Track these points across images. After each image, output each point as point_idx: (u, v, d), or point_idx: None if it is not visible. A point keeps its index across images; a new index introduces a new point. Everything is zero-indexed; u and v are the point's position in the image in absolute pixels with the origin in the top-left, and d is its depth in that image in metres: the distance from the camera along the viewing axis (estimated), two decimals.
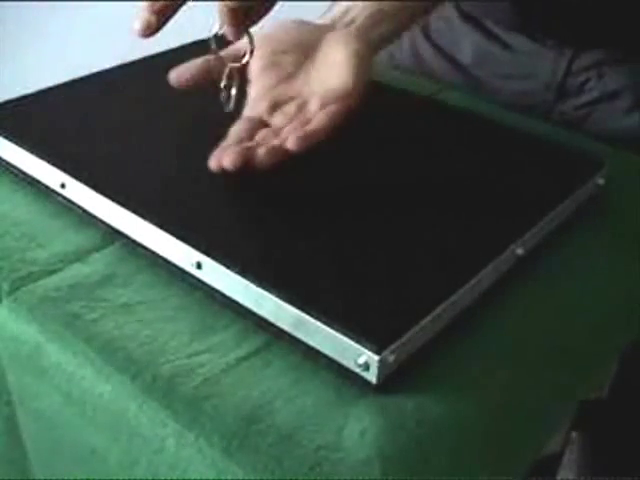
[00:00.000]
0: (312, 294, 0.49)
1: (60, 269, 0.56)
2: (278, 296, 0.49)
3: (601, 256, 0.61)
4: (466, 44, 0.87)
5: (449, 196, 0.60)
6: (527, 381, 0.51)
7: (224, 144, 0.60)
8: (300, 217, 0.57)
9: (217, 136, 0.67)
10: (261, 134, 0.60)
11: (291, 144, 0.57)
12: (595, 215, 0.63)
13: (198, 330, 0.51)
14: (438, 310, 0.49)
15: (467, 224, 0.57)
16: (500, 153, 0.67)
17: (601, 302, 0.58)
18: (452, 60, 0.89)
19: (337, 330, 0.47)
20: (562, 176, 0.64)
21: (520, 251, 0.56)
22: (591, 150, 0.68)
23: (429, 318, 0.48)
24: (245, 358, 0.49)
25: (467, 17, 0.86)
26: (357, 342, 0.46)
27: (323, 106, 0.60)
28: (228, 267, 0.51)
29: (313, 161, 0.64)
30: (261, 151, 0.57)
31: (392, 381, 0.47)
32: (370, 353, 0.46)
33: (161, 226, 0.54)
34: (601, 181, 0.65)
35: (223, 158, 0.57)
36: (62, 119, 0.68)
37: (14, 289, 0.54)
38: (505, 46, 0.84)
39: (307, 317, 0.48)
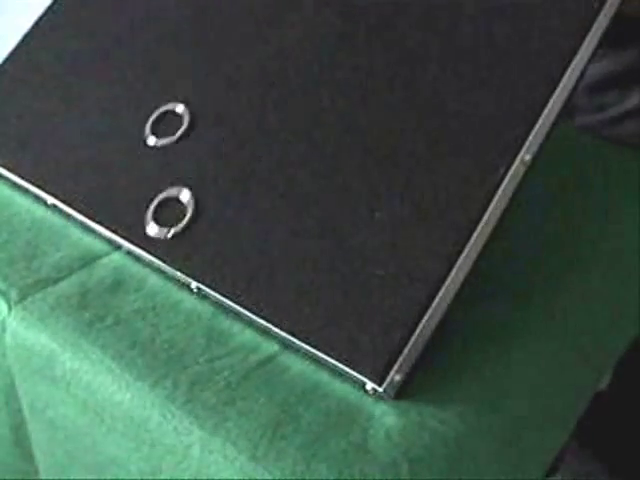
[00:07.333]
0: (306, 323, 0.48)
1: (68, 275, 0.55)
2: (270, 323, 0.48)
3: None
4: None
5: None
6: (545, 381, 0.51)
7: None
8: (288, 238, 0.51)
9: None
10: None
11: None
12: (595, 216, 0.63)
13: (214, 334, 0.50)
14: (435, 305, 0.46)
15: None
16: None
17: (606, 302, 0.58)
18: None
19: (340, 362, 0.46)
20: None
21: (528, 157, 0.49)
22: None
23: (429, 317, 0.46)
24: (264, 362, 0.48)
25: None
26: (360, 373, 0.45)
27: None
28: (221, 293, 0.50)
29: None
30: None
31: (408, 386, 0.46)
32: (374, 385, 0.45)
33: (154, 254, 0.53)
34: None
35: None
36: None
37: (22, 297, 0.53)
38: None
39: (309, 348, 0.47)
